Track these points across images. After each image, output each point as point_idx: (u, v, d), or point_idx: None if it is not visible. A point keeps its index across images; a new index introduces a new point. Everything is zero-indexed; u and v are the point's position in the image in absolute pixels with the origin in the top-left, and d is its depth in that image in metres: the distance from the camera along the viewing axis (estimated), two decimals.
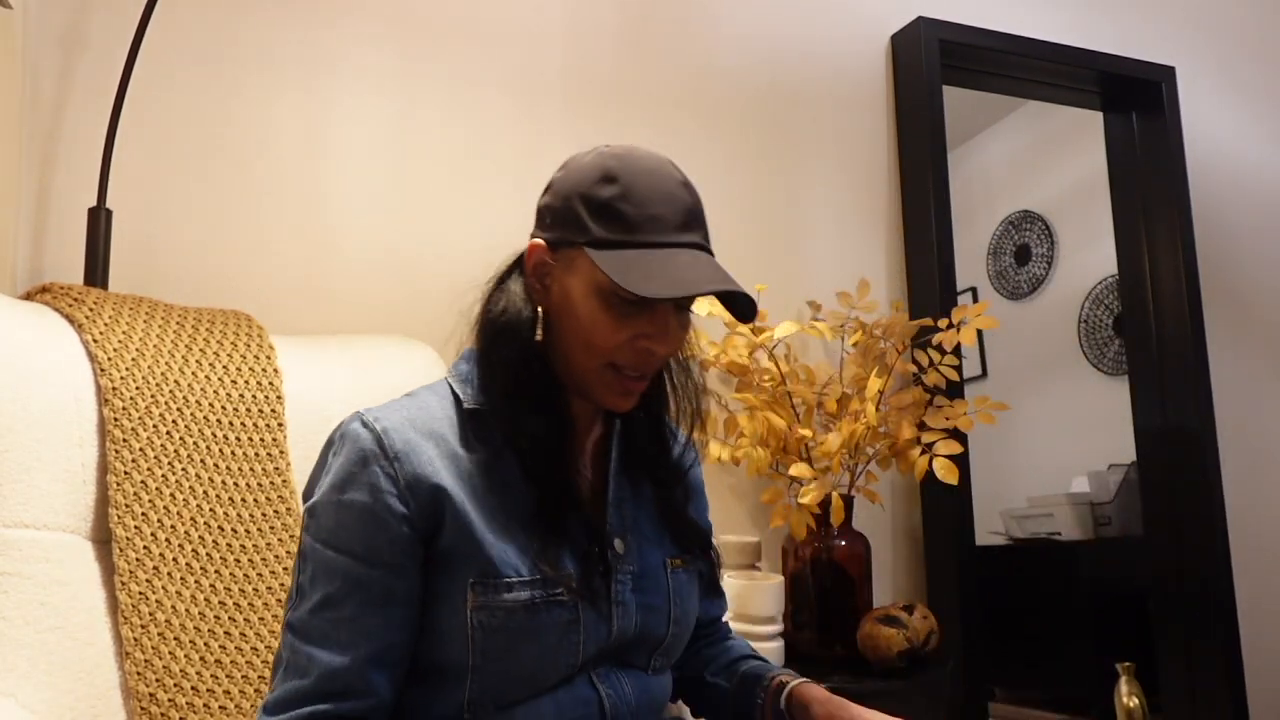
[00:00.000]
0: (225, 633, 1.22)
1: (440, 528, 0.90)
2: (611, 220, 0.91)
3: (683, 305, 0.95)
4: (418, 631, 0.90)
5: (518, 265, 1.00)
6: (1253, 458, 2.55)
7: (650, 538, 1.02)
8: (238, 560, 1.27)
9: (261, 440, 1.36)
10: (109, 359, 1.26)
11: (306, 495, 0.95)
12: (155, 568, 1.19)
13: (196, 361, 1.36)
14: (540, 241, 0.96)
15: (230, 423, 1.34)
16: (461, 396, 0.97)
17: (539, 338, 0.96)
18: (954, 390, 2.02)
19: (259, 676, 1.22)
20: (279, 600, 1.28)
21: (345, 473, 0.90)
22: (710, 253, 0.95)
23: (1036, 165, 4.15)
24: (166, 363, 1.33)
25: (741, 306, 0.96)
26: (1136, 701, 2.16)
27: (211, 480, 1.29)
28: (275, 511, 1.33)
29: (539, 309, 0.96)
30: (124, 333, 1.32)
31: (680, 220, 0.92)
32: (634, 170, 0.92)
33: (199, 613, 1.21)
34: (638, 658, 0.99)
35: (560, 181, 0.96)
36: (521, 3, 2.00)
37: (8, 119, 1.55)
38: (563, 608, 0.90)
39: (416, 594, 0.90)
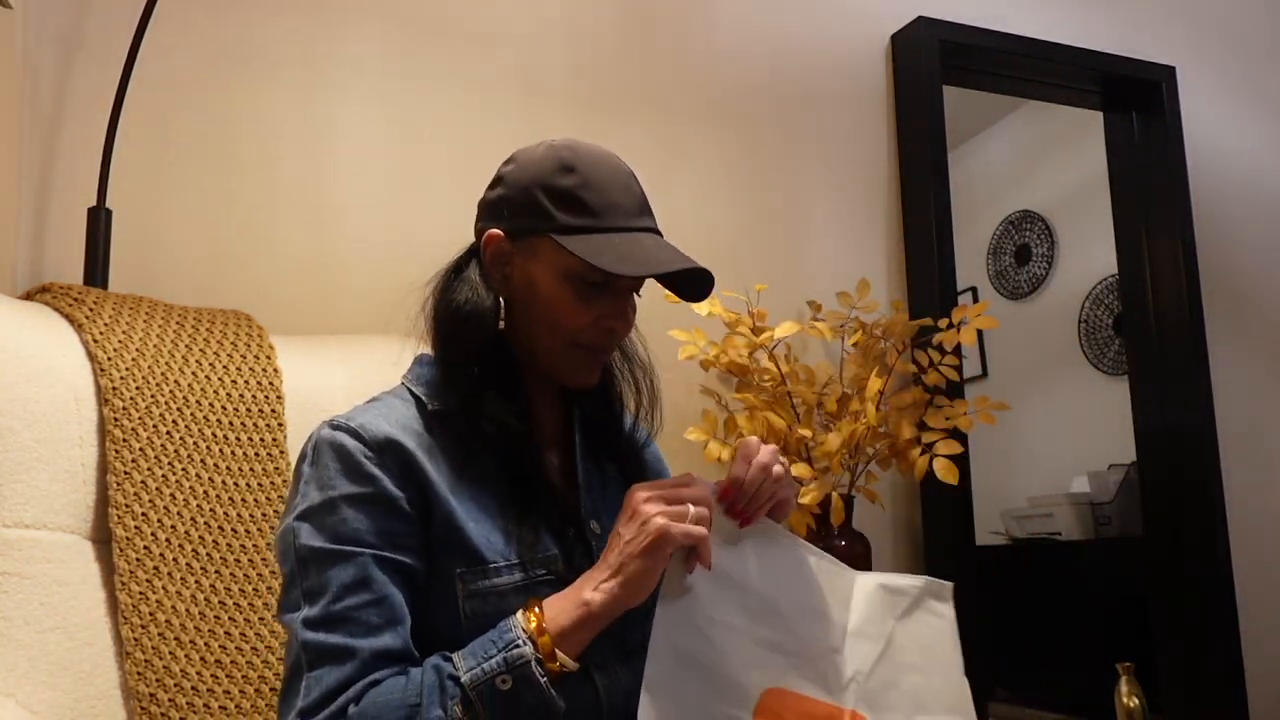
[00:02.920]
0: (225, 633, 1.22)
1: (429, 517, 0.92)
2: (575, 208, 0.95)
3: (636, 289, 1.01)
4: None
5: (470, 258, 1.03)
6: (1253, 458, 2.55)
7: None
8: (238, 560, 1.27)
9: (261, 440, 1.36)
10: (109, 359, 1.26)
11: (285, 515, 0.93)
12: (155, 568, 1.19)
13: (196, 361, 1.36)
14: (499, 231, 0.99)
15: (230, 423, 1.34)
16: (424, 399, 0.99)
17: (502, 325, 0.99)
18: (954, 390, 2.02)
19: (259, 676, 1.22)
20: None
21: (330, 472, 0.91)
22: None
23: (1036, 165, 4.14)
24: (166, 363, 1.33)
25: (698, 286, 1.01)
26: (1136, 701, 2.15)
27: (211, 480, 1.29)
28: (275, 511, 1.33)
29: (500, 298, 0.99)
30: (124, 333, 1.32)
31: (637, 207, 0.99)
32: (588, 161, 0.98)
33: (199, 613, 1.21)
34: (632, 636, 0.99)
35: (513, 174, 1.00)
36: (522, 3, 2.00)
37: (8, 119, 1.55)
38: (550, 588, 0.91)
39: (425, 574, 0.91)
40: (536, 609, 0.86)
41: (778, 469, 0.94)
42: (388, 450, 0.92)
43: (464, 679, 0.82)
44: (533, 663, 0.82)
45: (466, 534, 0.91)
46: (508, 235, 0.98)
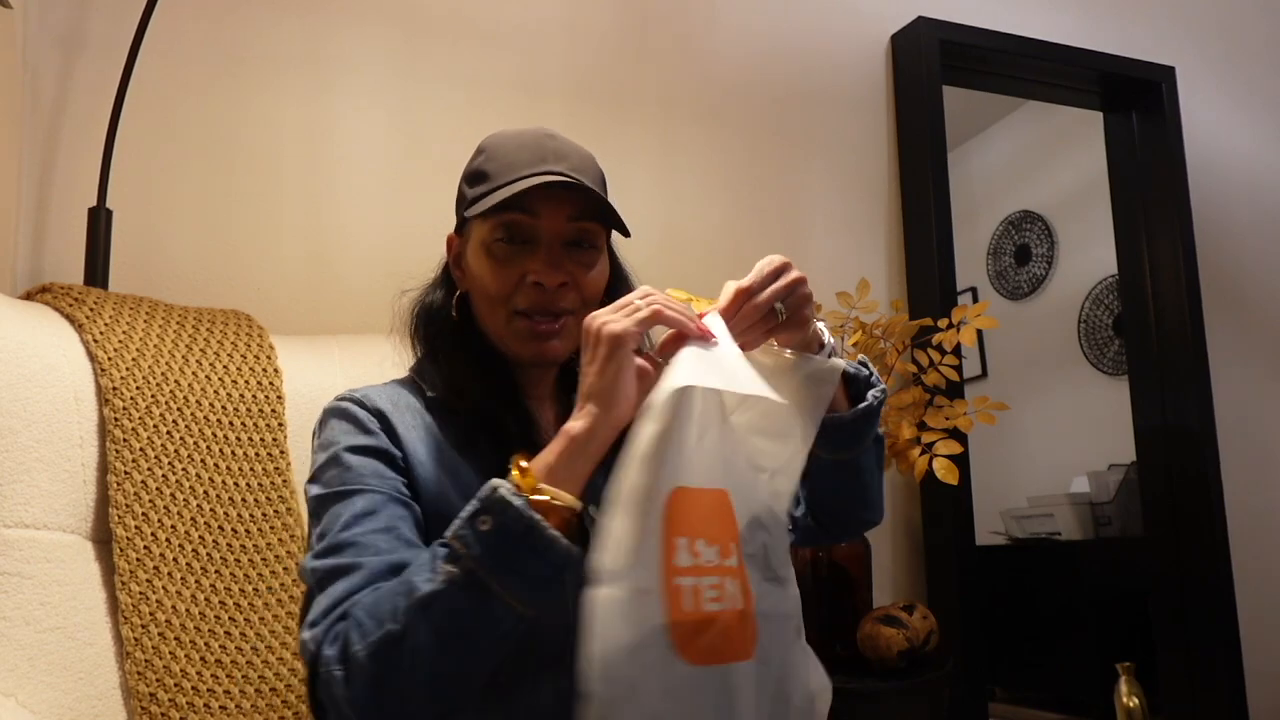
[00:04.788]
0: (225, 633, 1.22)
1: (415, 490, 0.94)
2: (477, 181, 0.99)
3: (582, 243, 0.99)
4: None
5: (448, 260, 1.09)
6: (1253, 458, 2.55)
7: None
8: (238, 560, 1.27)
9: (261, 440, 1.36)
10: (109, 359, 1.26)
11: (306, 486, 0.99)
12: (155, 568, 1.19)
13: (196, 361, 1.36)
14: (452, 233, 1.05)
15: (230, 423, 1.34)
16: (424, 386, 1.03)
17: (454, 314, 1.03)
18: (954, 390, 2.01)
19: (259, 676, 1.22)
20: (279, 600, 1.28)
21: (337, 431, 0.96)
22: (577, 179, 0.96)
23: (1036, 165, 4.15)
24: (166, 363, 1.33)
25: (607, 214, 0.98)
26: (1136, 701, 2.16)
27: (211, 480, 1.29)
28: (275, 511, 1.33)
29: (458, 291, 1.04)
30: (124, 333, 1.32)
31: (535, 158, 0.97)
32: (500, 137, 1.01)
33: (199, 613, 1.21)
34: None
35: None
36: (523, 4, 2.00)
37: (8, 119, 1.55)
38: None
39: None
40: (523, 461, 0.83)
41: (793, 275, 0.90)
42: (382, 418, 0.96)
43: (447, 536, 0.80)
44: (503, 490, 0.78)
45: (454, 509, 0.90)
46: (457, 233, 1.05)
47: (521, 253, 0.97)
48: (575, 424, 0.82)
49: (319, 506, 0.91)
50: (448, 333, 1.03)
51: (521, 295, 0.97)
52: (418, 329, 1.06)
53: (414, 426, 0.98)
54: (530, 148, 0.98)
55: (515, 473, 0.81)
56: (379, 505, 0.89)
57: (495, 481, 0.80)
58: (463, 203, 1.02)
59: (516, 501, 0.78)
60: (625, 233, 1.01)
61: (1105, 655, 2.74)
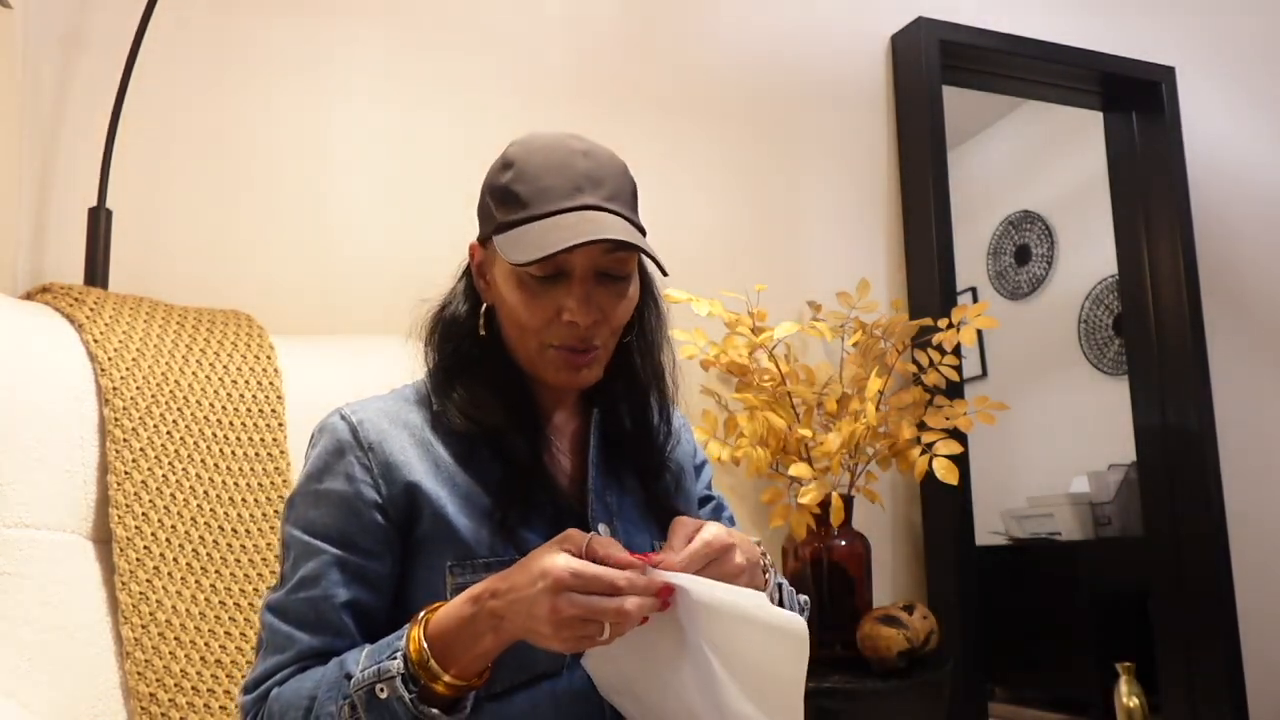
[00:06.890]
0: (225, 633, 1.22)
1: (416, 516, 0.93)
2: (508, 203, 0.94)
3: (615, 274, 0.95)
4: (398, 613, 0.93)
5: (467, 270, 1.04)
6: (1253, 458, 2.55)
7: (638, 524, 1.03)
8: (238, 560, 1.27)
9: (261, 440, 1.36)
10: (109, 359, 1.26)
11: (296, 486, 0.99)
12: (155, 568, 1.19)
13: (196, 361, 1.36)
14: (476, 242, 1.01)
15: (230, 423, 1.34)
16: (433, 397, 1.01)
17: (482, 332, 0.99)
18: (954, 390, 2.02)
19: None
20: None
21: (322, 463, 0.95)
22: (615, 211, 0.93)
23: (1036, 165, 4.15)
24: (166, 363, 1.33)
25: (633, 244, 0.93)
26: (1136, 701, 2.16)
27: (211, 480, 1.29)
28: (275, 511, 1.33)
29: (483, 305, 1.00)
30: (124, 333, 1.32)
31: (571, 186, 0.93)
32: (529, 150, 0.95)
33: (199, 613, 1.21)
34: None
35: (483, 182, 1.01)
36: (522, 4, 2.01)
37: (8, 119, 1.55)
38: None
39: (389, 578, 0.93)
40: (432, 611, 0.84)
41: (730, 564, 0.86)
42: (378, 449, 0.94)
43: (353, 680, 0.83)
44: (399, 680, 0.81)
45: (455, 528, 0.92)
46: (480, 243, 1.00)
47: (555, 286, 0.93)
48: (495, 637, 0.81)
49: (291, 543, 0.94)
50: (470, 350, 1.00)
51: (555, 331, 0.94)
52: (432, 339, 1.03)
53: (410, 447, 0.96)
54: (562, 169, 0.93)
55: (417, 636, 0.83)
56: (326, 571, 0.91)
57: (394, 659, 0.82)
58: (487, 216, 0.97)
59: (408, 695, 0.81)
60: (663, 272, 0.98)
61: (1105, 655, 2.74)
